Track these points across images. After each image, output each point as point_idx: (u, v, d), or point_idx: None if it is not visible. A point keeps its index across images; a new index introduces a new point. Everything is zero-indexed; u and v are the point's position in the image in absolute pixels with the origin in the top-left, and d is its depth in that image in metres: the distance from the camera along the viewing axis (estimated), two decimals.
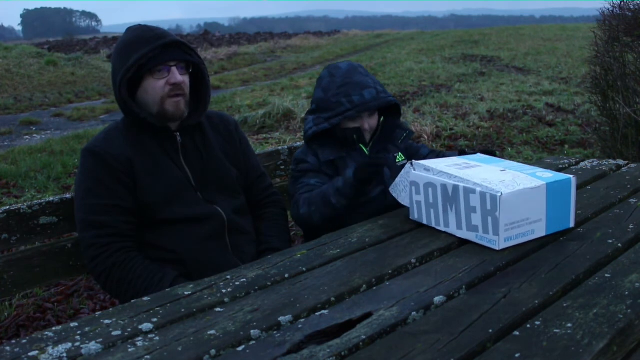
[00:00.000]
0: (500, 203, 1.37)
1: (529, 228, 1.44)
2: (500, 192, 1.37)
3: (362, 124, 2.01)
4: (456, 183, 1.47)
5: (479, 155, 1.76)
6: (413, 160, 1.62)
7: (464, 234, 1.48)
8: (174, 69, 1.67)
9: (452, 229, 1.51)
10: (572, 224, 1.53)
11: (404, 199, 1.68)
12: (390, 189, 1.73)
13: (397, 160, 2.11)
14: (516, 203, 1.39)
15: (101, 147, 1.68)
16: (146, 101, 1.69)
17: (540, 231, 1.46)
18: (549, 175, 1.49)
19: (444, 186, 1.50)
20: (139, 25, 1.76)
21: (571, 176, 1.50)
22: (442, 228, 1.54)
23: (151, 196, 1.67)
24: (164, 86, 1.67)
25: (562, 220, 1.50)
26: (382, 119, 2.12)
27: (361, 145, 2.05)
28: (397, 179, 1.70)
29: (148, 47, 1.64)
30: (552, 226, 1.48)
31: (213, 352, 0.99)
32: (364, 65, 2.08)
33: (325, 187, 1.91)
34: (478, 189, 1.42)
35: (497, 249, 1.40)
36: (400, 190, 1.69)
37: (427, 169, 1.57)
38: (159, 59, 1.65)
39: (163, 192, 1.69)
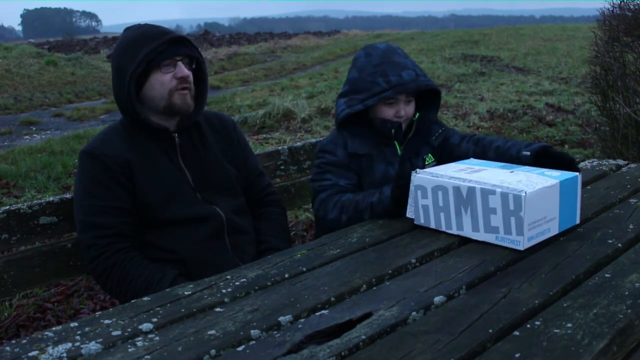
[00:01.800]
0: (525, 202, 1.36)
1: (546, 226, 1.45)
2: (524, 191, 1.37)
3: (398, 110, 1.89)
4: (471, 185, 1.45)
5: (473, 160, 1.75)
6: (417, 170, 1.58)
7: (481, 236, 1.46)
8: (180, 63, 1.69)
9: (467, 232, 1.48)
10: (577, 221, 1.54)
11: (408, 211, 1.61)
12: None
13: (426, 163, 2.01)
14: (537, 202, 1.40)
15: (99, 148, 1.68)
16: (153, 97, 1.69)
17: (554, 229, 1.47)
18: (557, 174, 1.51)
19: (457, 188, 1.48)
20: (139, 24, 1.76)
21: (577, 173, 1.52)
22: (454, 231, 1.51)
23: (150, 197, 1.67)
24: (170, 80, 1.68)
25: (570, 217, 1.52)
26: (417, 115, 1.97)
27: (395, 143, 1.95)
28: None
29: (156, 42, 1.65)
30: (564, 223, 1.50)
31: (213, 352, 0.99)
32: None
33: (359, 197, 1.78)
34: (498, 190, 1.40)
35: (521, 249, 1.39)
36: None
37: (434, 175, 1.53)
38: (166, 53, 1.66)
39: (162, 193, 1.69)
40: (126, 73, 1.65)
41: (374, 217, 1.72)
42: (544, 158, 1.77)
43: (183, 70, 1.68)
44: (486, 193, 1.43)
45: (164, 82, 1.68)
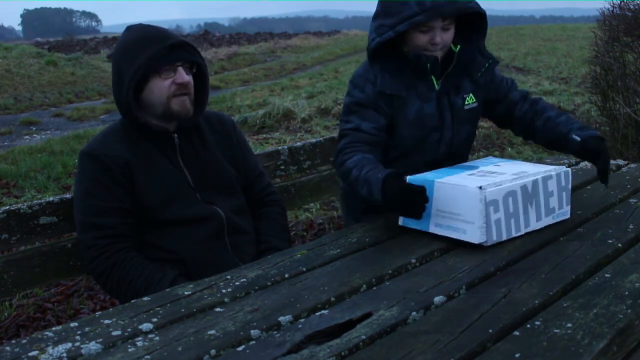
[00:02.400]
0: (570, 176, 1.61)
1: None
2: (565, 167, 1.61)
3: (433, 38, 1.68)
4: (530, 178, 1.52)
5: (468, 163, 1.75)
6: (482, 186, 1.40)
7: (542, 222, 1.55)
8: (180, 68, 1.68)
9: (532, 225, 1.53)
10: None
11: (472, 234, 1.43)
12: (432, 228, 1.49)
13: (465, 103, 1.82)
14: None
15: (99, 149, 1.68)
16: (151, 101, 1.69)
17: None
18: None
19: (524, 187, 1.50)
20: (141, 24, 1.75)
21: (568, 169, 1.61)
22: (522, 231, 1.51)
23: (149, 197, 1.67)
24: (170, 86, 1.67)
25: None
26: (458, 47, 1.78)
27: (432, 77, 1.77)
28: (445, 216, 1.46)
29: (156, 47, 1.63)
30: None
31: (213, 352, 0.99)
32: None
33: (365, 169, 1.59)
34: (553, 173, 1.56)
35: (569, 216, 1.61)
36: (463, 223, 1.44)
37: (498, 184, 1.45)
38: (166, 59, 1.65)
39: (161, 193, 1.69)
40: (125, 77, 1.65)
41: (367, 199, 1.58)
42: (588, 150, 1.73)
43: (183, 76, 1.67)
44: (546, 180, 1.55)
45: (163, 87, 1.67)
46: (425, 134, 1.82)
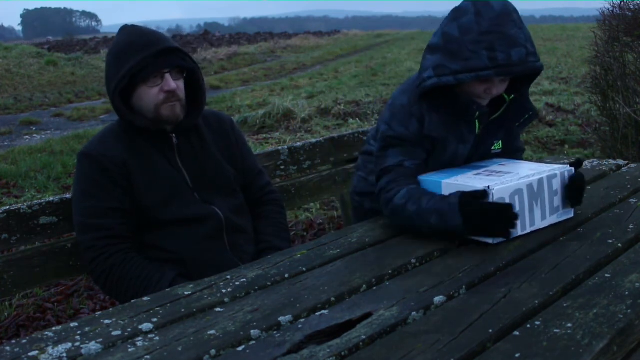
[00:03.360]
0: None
1: None
2: (569, 166, 1.62)
3: (489, 89, 1.60)
4: (536, 177, 1.53)
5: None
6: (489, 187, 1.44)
7: (547, 221, 1.56)
8: (167, 75, 1.66)
9: (537, 224, 1.54)
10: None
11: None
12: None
13: (493, 148, 1.79)
14: None
15: (97, 150, 1.68)
16: (141, 108, 1.69)
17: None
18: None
19: (530, 185, 1.51)
20: (133, 27, 1.73)
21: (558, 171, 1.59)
22: (528, 230, 1.52)
23: (148, 197, 1.67)
24: (158, 93, 1.66)
25: None
26: (511, 96, 1.72)
27: (476, 121, 1.70)
28: None
29: (140, 56, 1.62)
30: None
31: (213, 352, 0.99)
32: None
33: (430, 197, 1.54)
34: (558, 172, 1.58)
35: (572, 215, 1.62)
36: None
37: (505, 182, 1.49)
38: (151, 67, 1.64)
39: (160, 193, 1.68)
40: (111, 84, 1.65)
41: (435, 230, 1.50)
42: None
43: (169, 83, 1.66)
44: (550, 179, 1.56)
45: (151, 95, 1.66)
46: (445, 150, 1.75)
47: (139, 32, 1.69)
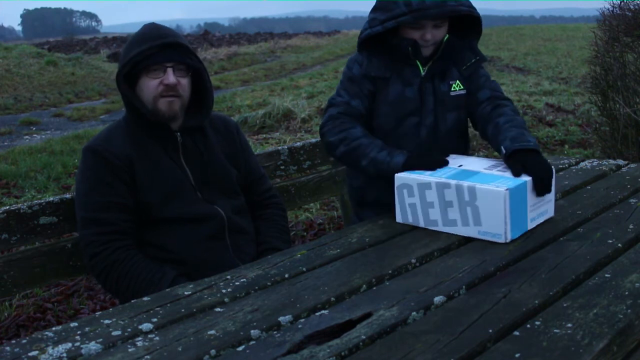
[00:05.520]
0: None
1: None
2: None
3: (423, 34, 1.76)
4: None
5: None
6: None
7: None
8: (169, 69, 1.67)
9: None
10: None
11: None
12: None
13: (451, 89, 1.87)
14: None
15: (102, 145, 1.68)
16: (142, 98, 1.71)
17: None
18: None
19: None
20: (153, 23, 1.77)
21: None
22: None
23: (151, 195, 1.67)
24: (157, 86, 1.68)
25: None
26: (446, 37, 1.83)
27: (418, 62, 1.83)
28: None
29: (146, 45, 1.65)
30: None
31: (213, 352, 0.99)
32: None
33: (366, 141, 1.76)
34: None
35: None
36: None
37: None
38: (154, 58, 1.66)
39: (163, 191, 1.69)
40: (120, 70, 1.69)
41: (372, 172, 1.75)
42: (512, 164, 1.59)
43: (169, 77, 1.67)
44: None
45: (151, 86, 1.68)
46: (403, 116, 1.85)
47: (154, 26, 1.73)
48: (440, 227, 1.56)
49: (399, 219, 1.65)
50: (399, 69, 1.84)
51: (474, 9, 1.78)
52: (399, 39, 1.80)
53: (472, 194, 1.49)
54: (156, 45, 1.65)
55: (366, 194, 1.96)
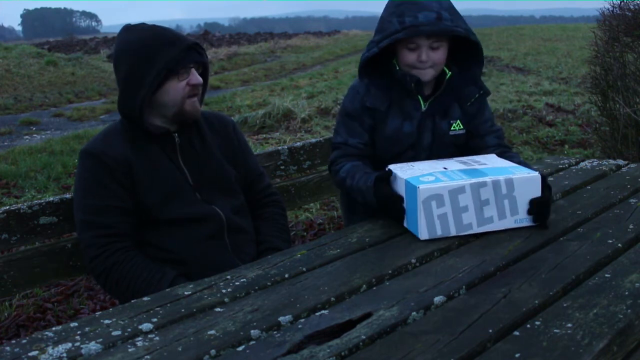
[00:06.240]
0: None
1: None
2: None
3: (419, 55, 1.72)
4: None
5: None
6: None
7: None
8: (193, 70, 1.69)
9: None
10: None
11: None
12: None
13: (451, 129, 1.85)
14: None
15: (99, 148, 1.68)
16: (165, 102, 1.68)
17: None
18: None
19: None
20: (143, 24, 1.74)
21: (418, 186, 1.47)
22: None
23: (149, 196, 1.67)
24: (184, 87, 1.68)
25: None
26: (449, 73, 1.80)
27: (419, 97, 1.81)
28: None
29: (175, 49, 1.64)
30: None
31: (213, 352, 0.99)
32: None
33: (358, 174, 1.76)
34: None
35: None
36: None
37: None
38: (184, 61, 1.66)
39: (161, 192, 1.69)
40: (143, 79, 1.63)
41: (359, 198, 1.77)
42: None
43: (197, 77, 1.69)
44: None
45: (179, 89, 1.68)
46: (400, 151, 1.86)
47: (157, 28, 1.71)
48: (475, 229, 1.51)
49: (424, 235, 1.49)
50: (400, 101, 1.83)
51: (472, 33, 1.73)
52: (401, 72, 1.78)
53: (510, 186, 1.50)
54: (184, 48, 1.65)
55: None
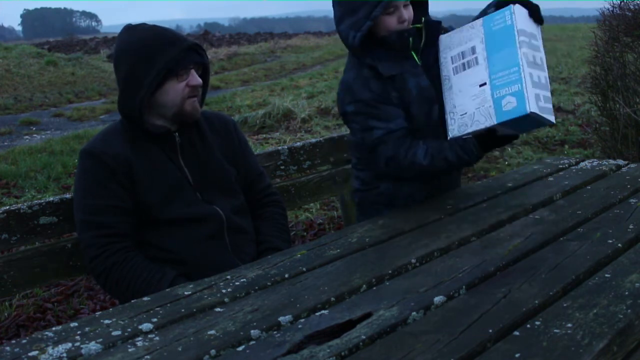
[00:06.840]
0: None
1: None
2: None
3: (400, 15, 1.76)
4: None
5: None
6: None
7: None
8: (193, 71, 1.69)
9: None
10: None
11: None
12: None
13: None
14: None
15: (99, 147, 1.68)
16: (164, 103, 1.68)
17: None
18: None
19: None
20: (144, 25, 1.74)
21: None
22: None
23: (150, 196, 1.67)
24: (184, 88, 1.68)
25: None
26: (423, 20, 1.85)
27: (413, 53, 1.83)
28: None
29: (175, 50, 1.64)
30: None
31: (213, 352, 0.99)
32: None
33: (438, 143, 1.75)
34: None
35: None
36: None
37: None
38: (184, 62, 1.66)
39: (162, 192, 1.69)
40: (143, 80, 1.63)
41: (464, 158, 1.75)
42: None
43: (197, 78, 1.69)
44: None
45: (178, 89, 1.68)
46: (429, 108, 1.82)
47: (158, 29, 1.71)
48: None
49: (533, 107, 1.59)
50: (403, 65, 1.82)
51: None
52: (395, 33, 1.77)
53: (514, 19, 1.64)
54: (184, 49, 1.65)
55: (397, 196, 1.94)
